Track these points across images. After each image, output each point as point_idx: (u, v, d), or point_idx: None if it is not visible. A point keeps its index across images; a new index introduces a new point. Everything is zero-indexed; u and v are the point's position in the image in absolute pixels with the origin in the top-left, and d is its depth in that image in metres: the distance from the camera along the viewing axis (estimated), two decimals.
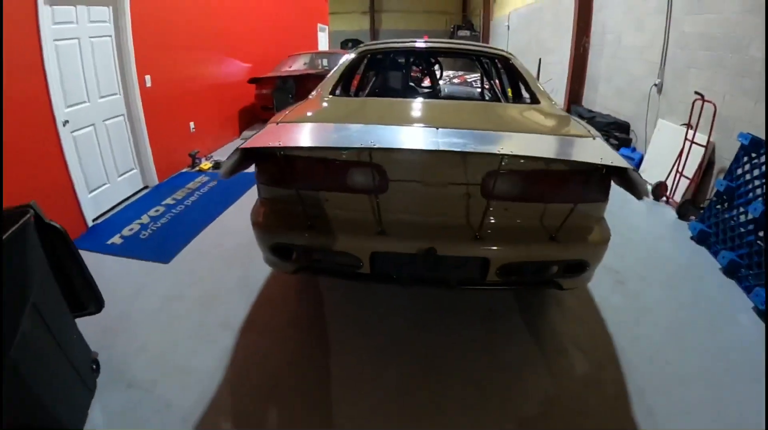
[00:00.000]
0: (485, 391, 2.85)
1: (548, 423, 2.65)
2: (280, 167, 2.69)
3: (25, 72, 4.43)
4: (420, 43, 4.76)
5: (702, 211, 5.10)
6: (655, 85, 6.66)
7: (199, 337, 3.33)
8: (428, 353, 3.16)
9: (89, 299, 2.86)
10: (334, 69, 4.16)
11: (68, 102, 4.99)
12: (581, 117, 8.76)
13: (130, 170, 6.13)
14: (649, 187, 5.88)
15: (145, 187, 6.41)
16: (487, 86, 5.88)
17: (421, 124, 2.76)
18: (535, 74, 10.92)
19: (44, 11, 4.50)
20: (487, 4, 21.76)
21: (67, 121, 4.91)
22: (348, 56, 4.37)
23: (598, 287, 3.91)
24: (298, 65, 10.11)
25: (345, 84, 4.43)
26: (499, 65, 4.99)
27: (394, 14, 28.60)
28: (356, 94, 4.88)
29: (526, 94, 4.07)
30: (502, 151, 2.25)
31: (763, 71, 4.58)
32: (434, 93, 5.86)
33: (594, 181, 2.51)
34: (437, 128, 2.56)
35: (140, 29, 5.87)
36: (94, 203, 5.34)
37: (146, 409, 2.72)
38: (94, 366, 2.95)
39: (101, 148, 5.51)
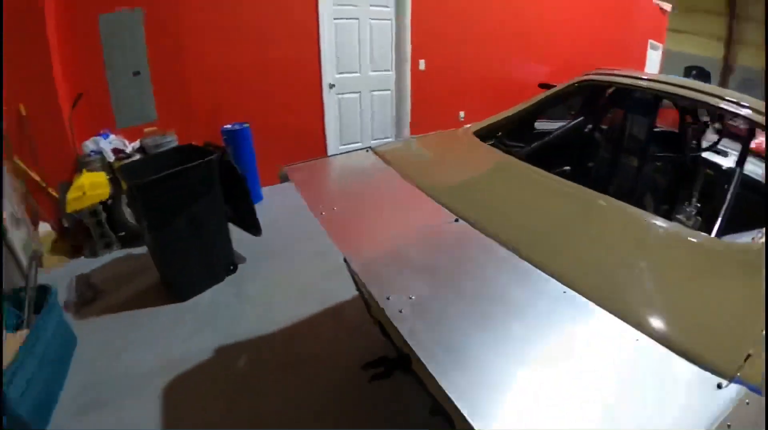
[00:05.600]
0: None
1: None
2: None
3: (304, 42, 5.65)
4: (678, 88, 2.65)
5: None
6: None
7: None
8: None
9: (250, 224, 3.92)
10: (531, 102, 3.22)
11: (339, 70, 5.93)
12: None
13: (386, 138, 6.85)
14: None
15: None
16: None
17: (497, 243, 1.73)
18: None
19: None
20: None
21: (333, 85, 5.82)
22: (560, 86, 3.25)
23: None
24: None
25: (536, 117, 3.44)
26: None
27: (759, 49, 22.87)
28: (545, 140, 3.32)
29: None
30: None
31: None
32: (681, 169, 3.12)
33: None
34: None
35: (419, 17, 6.47)
36: None
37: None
38: (232, 267, 3.95)
39: (362, 112, 6.37)
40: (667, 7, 12.02)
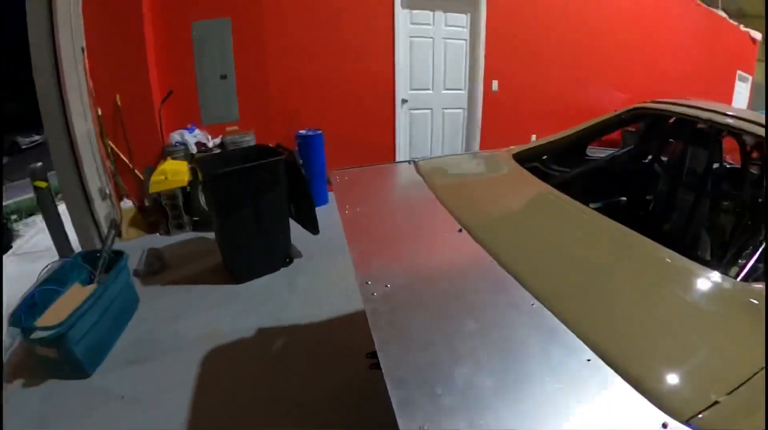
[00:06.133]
0: None
1: None
2: None
3: (380, 58, 5.95)
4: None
5: None
6: None
7: None
8: None
9: (310, 223, 4.13)
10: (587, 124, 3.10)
11: (412, 86, 6.18)
12: None
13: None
14: None
15: None
16: None
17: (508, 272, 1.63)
18: None
19: (400, 14, 5.83)
20: None
21: (405, 101, 6.07)
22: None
23: None
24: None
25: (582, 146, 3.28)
26: None
27: None
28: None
29: None
30: None
31: None
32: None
33: None
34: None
35: (494, 38, 6.54)
36: None
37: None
38: (288, 260, 4.20)
39: (433, 129, 6.54)
40: (758, 35, 10.78)
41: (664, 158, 3.23)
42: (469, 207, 2.21)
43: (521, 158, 2.80)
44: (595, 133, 3.11)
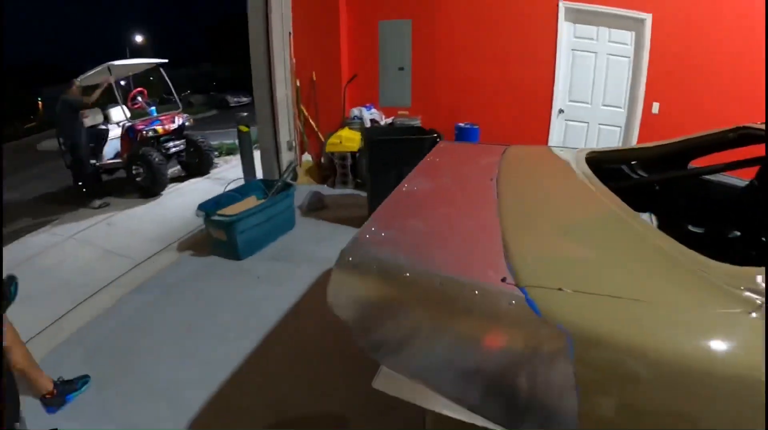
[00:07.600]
0: None
1: None
2: None
3: (541, 67, 6.21)
4: None
5: None
6: None
7: None
8: None
9: None
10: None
11: (571, 98, 6.40)
12: None
13: None
14: None
15: None
16: None
17: None
18: None
19: (564, 26, 6.09)
20: None
21: (562, 111, 6.31)
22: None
23: None
24: None
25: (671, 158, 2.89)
26: None
27: None
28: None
29: None
30: None
31: None
32: None
33: None
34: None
35: (658, 58, 6.16)
36: None
37: None
38: None
39: (587, 142, 6.61)
40: None
41: None
42: (510, 175, 2.44)
43: (593, 159, 2.61)
44: (695, 149, 2.84)
